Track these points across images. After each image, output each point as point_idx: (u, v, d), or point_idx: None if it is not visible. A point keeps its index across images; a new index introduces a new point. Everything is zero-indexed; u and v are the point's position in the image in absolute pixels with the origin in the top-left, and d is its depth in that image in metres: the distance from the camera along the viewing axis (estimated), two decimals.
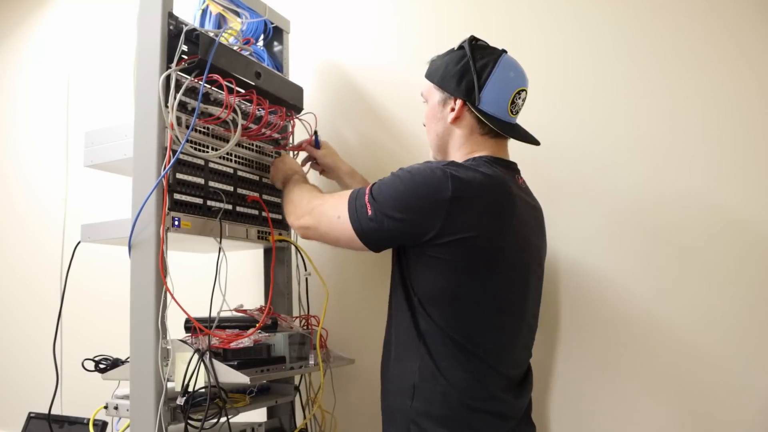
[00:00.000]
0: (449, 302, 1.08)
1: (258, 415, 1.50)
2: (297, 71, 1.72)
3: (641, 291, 1.36)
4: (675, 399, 1.32)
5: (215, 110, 1.28)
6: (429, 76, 1.23)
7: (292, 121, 1.55)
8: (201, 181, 1.27)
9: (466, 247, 1.04)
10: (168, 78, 1.16)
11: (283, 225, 1.50)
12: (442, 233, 1.03)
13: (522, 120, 1.22)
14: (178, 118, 1.18)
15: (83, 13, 2.40)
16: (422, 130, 1.28)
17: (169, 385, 1.13)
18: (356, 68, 1.77)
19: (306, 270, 1.48)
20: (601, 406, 1.38)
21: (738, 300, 1.28)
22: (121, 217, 1.20)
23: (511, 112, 1.16)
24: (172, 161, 1.14)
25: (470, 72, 1.14)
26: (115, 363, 1.27)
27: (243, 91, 1.34)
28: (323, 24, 1.83)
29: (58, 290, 2.17)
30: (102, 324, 1.96)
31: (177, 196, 1.19)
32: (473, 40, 1.18)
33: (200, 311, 1.19)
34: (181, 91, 1.17)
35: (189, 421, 1.13)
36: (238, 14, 1.46)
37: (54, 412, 1.37)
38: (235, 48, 1.35)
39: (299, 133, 1.59)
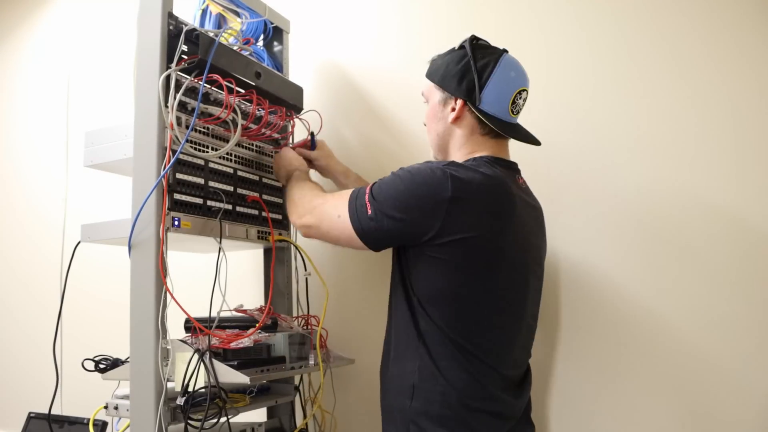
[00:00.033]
0: (449, 302, 1.07)
1: (258, 415, 1.50)
2: (297, 71, 1.72)
3: (641, 291, 1.36)
4: (675, 399, 1.32)
5: (215, 110, 1.28)
6: (430, 75, 1.22)
7: (291, 121, 1.55)
8: (201, 181, 1.27)
9: (465, 247, 1.04)
10: (168, 78, 1.16)
11: (283, 225, 1.50)
12: (441, 233, 1.03)
13: (522, 120, 1.22)
14: (178, 118, 1.18)
15: (83, 13, 2.40)
16: (422, 130, 1.28)
17: (169, 385, 1.13)
18: (356, 68, 1.77)
19: (306, 270, 1.48)
20: (601, 406, 1.38)
21: (738, 300, 1.28)
22: (121, 217, 1.20)
23: (512, 112, 1.16)
24: (171, 161, 1.14)
25: (471, 72, 1.13)
26: (115, 363, 1.27)
27: (243, 91, 1.34)
28: (323, 24, 1.83)
29: (58, 290, 2.17)
30: (102, 324, 1.96)
31: (177, 196, 1.19)
32: (474, 40, 1.17)
33: (200, 311, 1.19)
34: (181, 91, 1.17)
35: (189, 421, 1.13)
36: (238, 14, 1.46)
37: (54, 412, 1.37)
38: (235, 48, 1.35)
39: (299, 133, 1.59)
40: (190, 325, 1.19)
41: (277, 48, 1.66)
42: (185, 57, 1.20)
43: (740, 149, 1.31)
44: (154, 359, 1.11)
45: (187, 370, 1.12)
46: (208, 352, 1.13)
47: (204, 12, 1.49)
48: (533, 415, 1.24)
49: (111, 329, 1.53)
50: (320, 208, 1.19)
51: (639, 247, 1.37)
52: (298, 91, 1.50)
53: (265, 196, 1.45)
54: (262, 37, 1.63)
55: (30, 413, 1.76)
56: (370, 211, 1.07)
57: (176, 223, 1.17)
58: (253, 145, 1.44)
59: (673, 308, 1.33)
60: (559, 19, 1.51)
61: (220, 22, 1.49)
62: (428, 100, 1.23)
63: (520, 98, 1.17)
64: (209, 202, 1.27)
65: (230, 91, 1.24)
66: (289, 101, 1.46)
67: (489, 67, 1.13)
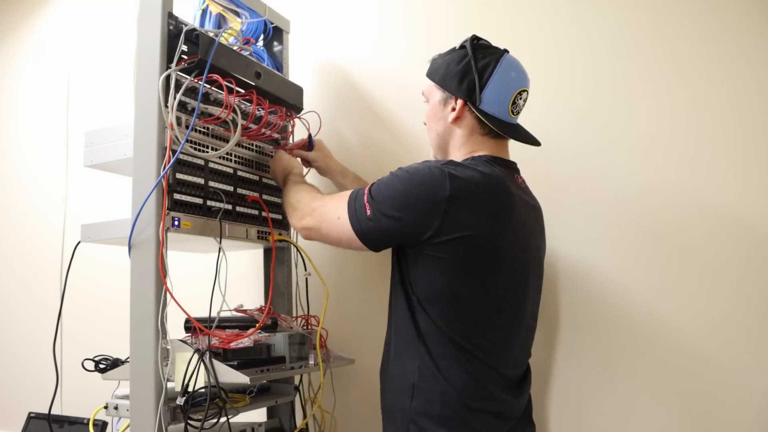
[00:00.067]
0: (448, 302, 1.08)
1: (258, 415, 1.50)
2: (297, 71, 1.72)
3: (641, 291, 1.36)
4: (675, 399, 1.32)
5: (215, 110, 1.28)
6: (430, 75, 1.22)
7: (291, 121, 1.55)
8: (201, 181, 1.27)
9: (464, 246, 1.04)
10: (168, 78, 1.16)
11: (283, 225, 1.50)
12: (440, 232, 1.03)
13: (522, 120, 1.22)
14: (178, 118, 1.18)
15: (83, 13, 2.40)
16: (422, 129, 1.28)
17: (169, 385, 1.13)
18: (356, 68, 1.77)
19: (306, 270, 1.48)
20: (601, 406, 1.38)
21: (738, 300, 1.28)
22: (121, 217, 1.20)
23: (512, 112, 1.16)
24: (171, 161, 1.14)
25: (471, 72, 1.13)
26: (115, 363, 1.27)
27: (243, 91, 1.34)
28: (323, 24, 1.83)
29: (58, 290, 2.17)
30: (102, 324, 1.96)
31: (177, 196, 1.19)
32: (475, 40, 1.17)
33: (200, 311, 1.19)
34: (181, 91, 1.17)
35: (189, 421, 1.13)
36: (238, 14, 1.46)
37: (54, 412, 1.37)
38: (235, 48, 1.35)
39: (299, 134, 1.59)
40: (190, 325, 1.19)
41: (277, 48, 1.66)
42: (185, 57, 1.20)
43: (740, 149, 1.31)
44: (154, 359, 1.11)
45: (187, 370, 1.12)
46: (208, 352, 1.13)
47: (204, 12, 1.49)
48: (533, 414, 1.24)
49: (111, 329, 1.53)
50: (320, 211, 1.19)
51: (639, 247, 1.37)
52: (298, 91, 1.50)
53: (265, 196, 1.45)
54: (262, 37, 1.63)
55: (30, 413, 1.76)
56: (369, 212, 1.07)
57: (176, 223, 1.17)
58: (253, 145, 1.44)
59: (673, 308, 1.33)
60: (559, 19, 1.51)
61: (220, 22, 1.49)
62: (428, 99, 1.23)
63: (521, 99, 1.16)
64: (209, 202, 1.27)
65: (230, 91, 1.24)
66: (289, 101, 1.46)
67: (490, 67, 1.13)
